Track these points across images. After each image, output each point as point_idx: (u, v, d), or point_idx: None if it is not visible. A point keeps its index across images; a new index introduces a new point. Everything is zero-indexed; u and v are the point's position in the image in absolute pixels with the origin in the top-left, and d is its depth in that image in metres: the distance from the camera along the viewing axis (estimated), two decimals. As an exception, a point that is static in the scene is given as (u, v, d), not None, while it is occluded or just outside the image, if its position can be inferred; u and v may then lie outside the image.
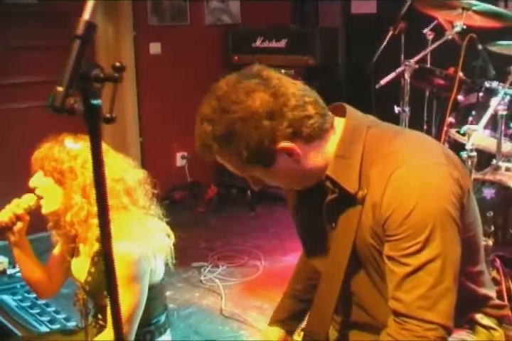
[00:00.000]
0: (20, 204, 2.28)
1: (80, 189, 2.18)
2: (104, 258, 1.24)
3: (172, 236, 2.29)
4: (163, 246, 2.24)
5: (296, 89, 1.56)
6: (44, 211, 2.26)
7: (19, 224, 2.29)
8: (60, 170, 2.19)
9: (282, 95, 1.53)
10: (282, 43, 5.45)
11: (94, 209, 2.05)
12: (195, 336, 3.28)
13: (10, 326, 3.39)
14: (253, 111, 1.51)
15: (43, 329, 3.32)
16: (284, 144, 1.54)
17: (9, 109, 4.80)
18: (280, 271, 4.05)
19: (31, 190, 2.26)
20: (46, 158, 2.19)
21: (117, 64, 1.11)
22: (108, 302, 2.20)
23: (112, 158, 2.26)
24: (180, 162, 5.73)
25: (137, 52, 5.31)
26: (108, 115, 1.10)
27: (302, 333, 1.92)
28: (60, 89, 1.07)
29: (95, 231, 2.19)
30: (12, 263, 4.12)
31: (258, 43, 5.57)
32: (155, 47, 5.46)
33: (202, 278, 4.01)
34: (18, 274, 4.04)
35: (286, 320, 2.06)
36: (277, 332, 2.05)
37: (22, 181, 2.29)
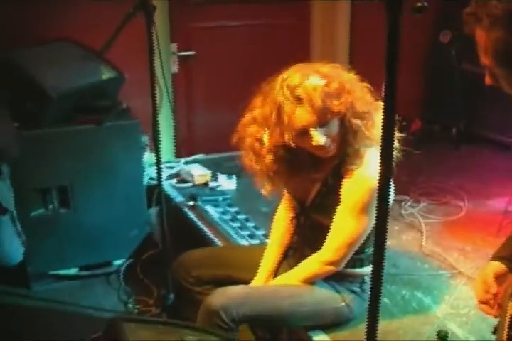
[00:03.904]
0: None
1: None
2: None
3: None
4: None
5: None
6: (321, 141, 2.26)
7: None
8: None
9: None
10: None
11: None
12: (393, 269, 3.18)
13: (212, 236, 3.47)
14: None
15: (243, 242, 3.37)
16: None
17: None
18: (483, 215, 3.84)
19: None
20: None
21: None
22: (332, 226, 2.21)
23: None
24: (385, 90, 5.51)
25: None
26: (419, 4, 0.97)
27: None
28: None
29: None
30: (215, 176, 4.20)
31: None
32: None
33: (403, 211, 3.89)
34: (220, 187, 4.12)
35: (510, 257, 1.93)
36: (498, 266, 1.92)
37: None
